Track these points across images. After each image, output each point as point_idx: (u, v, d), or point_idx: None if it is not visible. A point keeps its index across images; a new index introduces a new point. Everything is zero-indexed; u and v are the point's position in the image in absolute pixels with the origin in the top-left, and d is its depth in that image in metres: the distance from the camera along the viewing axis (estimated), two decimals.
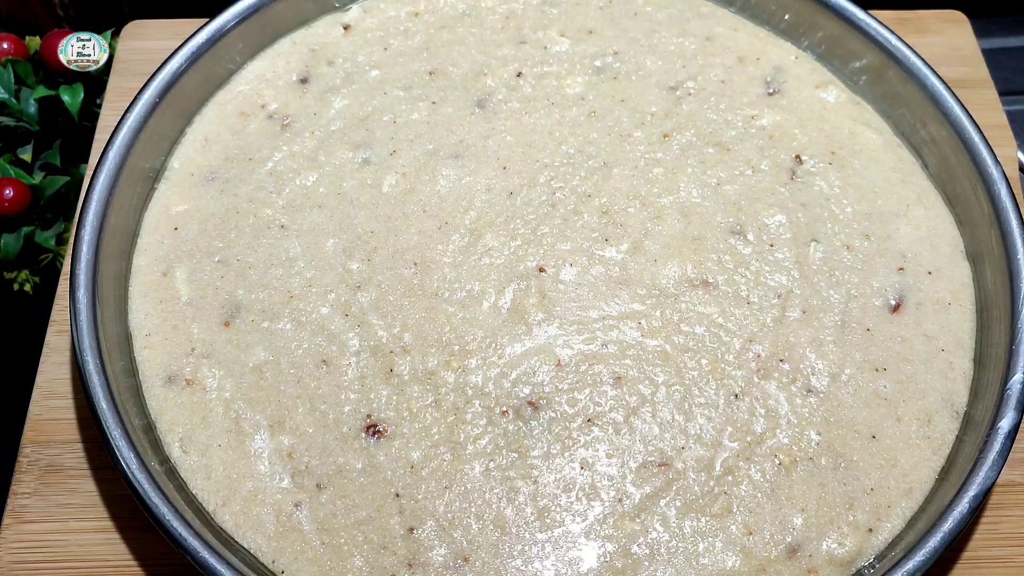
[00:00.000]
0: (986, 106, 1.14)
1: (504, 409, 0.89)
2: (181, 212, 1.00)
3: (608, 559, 0.83)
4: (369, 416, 0.89)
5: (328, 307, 0.94)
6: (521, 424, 0.89)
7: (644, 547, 0.84)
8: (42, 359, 0.98)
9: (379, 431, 0.88)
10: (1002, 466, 0.83)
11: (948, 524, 0.81)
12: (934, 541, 0.80)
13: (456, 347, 0.92)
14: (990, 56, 1.21)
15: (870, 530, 0.85)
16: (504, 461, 0.87)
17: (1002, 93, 1.18)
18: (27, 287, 1.22)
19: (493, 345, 0.92)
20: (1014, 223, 0.94)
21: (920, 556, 0.80)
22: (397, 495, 0.85)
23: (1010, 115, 1.16)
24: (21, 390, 0.98)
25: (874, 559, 0.84)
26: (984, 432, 0.86)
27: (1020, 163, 1.21)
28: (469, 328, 0.93)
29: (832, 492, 0.86)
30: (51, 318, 1.00)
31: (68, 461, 0.92)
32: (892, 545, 0.84)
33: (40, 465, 0.92)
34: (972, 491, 0.82)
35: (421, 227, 0.98)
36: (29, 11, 1.41)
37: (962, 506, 0.82)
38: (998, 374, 0.89)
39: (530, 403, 0.89)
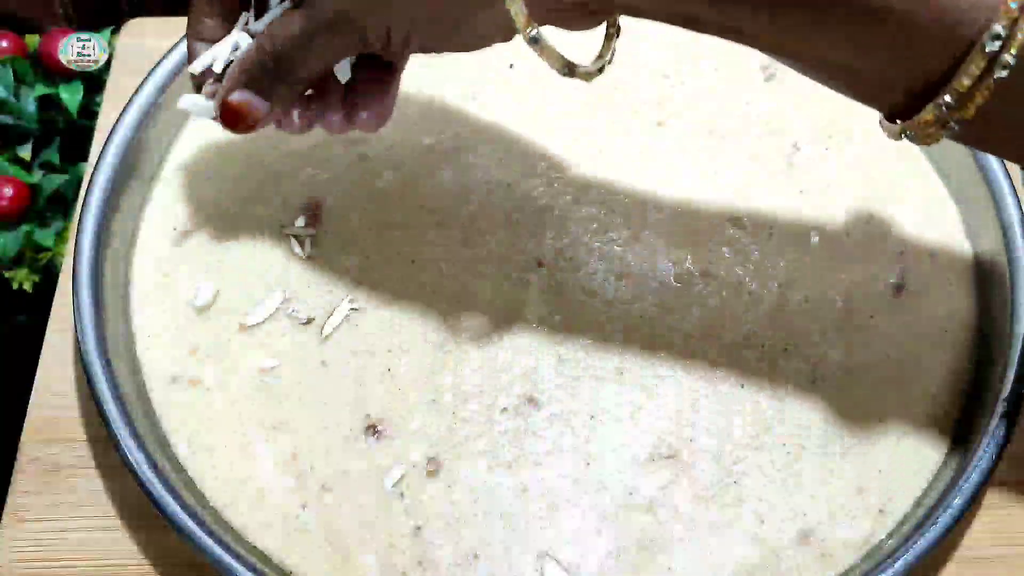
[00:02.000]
0: None
1: (503, 407, 0.85)
2: (180, 212, 0.95)
3: (620, 552, 0.79)
4: (368, 416, 0.84)
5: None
6: (521, 421, 0.84)
7: (656, 539, 0.80)
8: (42, 357, 0.92)
9: (378, 432, 0.84)
10: (1008, 438, 0.80)
11: (957, 500, 0.78)
12: (945, 517, 0.77)
13: (452, 345, 0.87)
14: None
15: (881, 511, 0.81)
16: (506, 459, 0.83)
17: None
18: (26, 285, 1.19)
19: (490, 343, 0.88)
20: (1009, 200, 0.91)
21: (932, 532, 0.76)
22: (402, 495, 0.81)
23: None
24: (21, 388, 0.93)
25: (886, 536, 0.81)
26: (989, 406, 0.82)
27: None
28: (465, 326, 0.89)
29: (841, 477, 0.82)
30: (51, 316, 0.95)
31: (68, 459, 0.87)
32: (902, 523, 0.81)
33: (40, 464, 0.87)
34: (981, 465, 0.79)
35: (419, 223, 0.93)
36: (28, 8, 1.37)
37: (971, 481, 0.78)
38: (1001, 349, 0.85)
39: (530, 400, 0.85)
